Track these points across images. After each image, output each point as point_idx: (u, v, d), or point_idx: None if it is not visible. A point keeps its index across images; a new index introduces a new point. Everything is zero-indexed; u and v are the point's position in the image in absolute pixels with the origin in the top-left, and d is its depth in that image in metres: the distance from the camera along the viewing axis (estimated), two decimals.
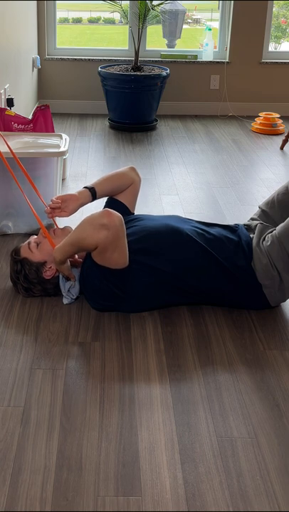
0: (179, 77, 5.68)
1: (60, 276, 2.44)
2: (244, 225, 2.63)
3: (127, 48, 5.81)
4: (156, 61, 5.68)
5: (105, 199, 2.68)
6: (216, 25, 6.00)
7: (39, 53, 5.62)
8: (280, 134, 5.26)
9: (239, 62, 5.73)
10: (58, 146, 3.15)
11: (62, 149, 3.10)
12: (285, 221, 2.44)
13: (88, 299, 2.45)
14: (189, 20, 8.00)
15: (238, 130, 5.36)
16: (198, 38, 6.69)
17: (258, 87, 5.81)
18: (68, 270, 2.39)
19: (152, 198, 3.69)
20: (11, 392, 1.98)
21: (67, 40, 7.57)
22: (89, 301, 2.45)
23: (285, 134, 4.90)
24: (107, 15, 7.85)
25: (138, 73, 5.18)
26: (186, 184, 3.97)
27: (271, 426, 1.87)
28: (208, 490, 1.63)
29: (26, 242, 2.51)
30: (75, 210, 2.50)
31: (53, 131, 3.84)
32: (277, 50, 6.89)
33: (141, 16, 5.19)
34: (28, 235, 3.02)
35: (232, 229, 2.56)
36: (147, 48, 5.76)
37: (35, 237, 2.53)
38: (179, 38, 6.10)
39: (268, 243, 2.42)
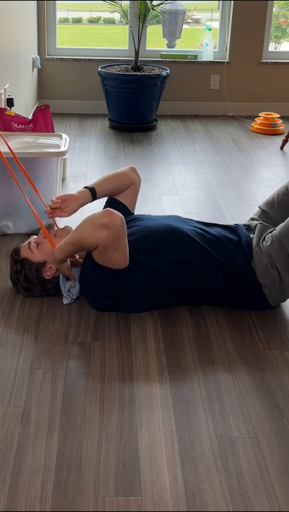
0: (179, 77, 5.68)
1: (60, 276, 2.44)
2: (244, 225, 2.63)
3: (127, 48, 5.80)
4: (156, 61, 5.68)
5: (105, 199, 2.68)
6: (216, 25, 6.00)
7: (39, 53, 5.62)
8: (280, 134, 5.25)
9: (239, 62, 5.73)
10: (58, 146, 3.15)
11: (62, 149, 3.10)
12: (285, 221, 2.44)
13: (88, 298, 2.45)
14: (189, 20, 8.00)
15: (238, 130, 5.36)
16: (198, 38, 6.69)
17: (258, 87, 5.81)
18: (68, 270, 2.39)
19: (152, 198, 3.69)
20: (11, 392, 1.98)
21: (67, 40, 7.57)
22: (89, 301, 2.45)
23: (285, 134, 4.90)
24: (107, 15, 7.86)
25: (138, 73, 5.18)
26: (186, 184, 3.96)
27: (271, 426, 1.87)
28: (208, 490, 1.63)
29: (26, 242, 2.51)
30: (75, 210, 2.50)
31: (53, 131, 3.84)
32: (277, 50, 6.89)
33: (141, 16, 5.19)
34: (28, 235, 3.02)
35: (232, 229, 2.56)
36: (147, 48, 5.75)
37: (35, 237, 2.52)
38: (179, 38, 6.10)
39: (268, 243, 2.42)
